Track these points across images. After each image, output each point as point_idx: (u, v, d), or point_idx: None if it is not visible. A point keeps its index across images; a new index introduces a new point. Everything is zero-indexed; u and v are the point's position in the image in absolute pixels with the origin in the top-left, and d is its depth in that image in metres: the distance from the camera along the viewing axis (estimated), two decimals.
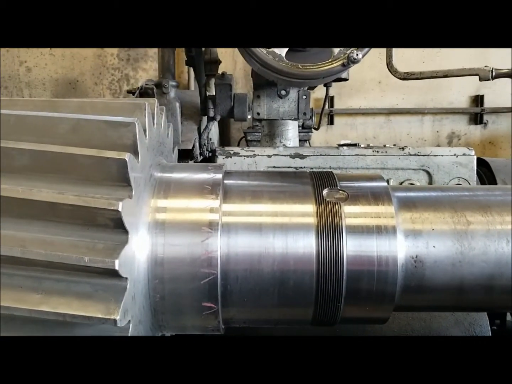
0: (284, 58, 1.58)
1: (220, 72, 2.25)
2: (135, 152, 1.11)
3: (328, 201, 1.22)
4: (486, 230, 1.20)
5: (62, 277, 1.02)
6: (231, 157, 2.07)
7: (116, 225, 1.02)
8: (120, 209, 0.99)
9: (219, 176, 1.27)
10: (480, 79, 2.41)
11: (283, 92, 2.35)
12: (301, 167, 2.04)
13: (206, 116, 2.13)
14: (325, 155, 2.03)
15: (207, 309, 1.19)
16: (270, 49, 1.56)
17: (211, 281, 1.15)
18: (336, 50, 1.57)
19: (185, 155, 1.88)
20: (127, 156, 1.05)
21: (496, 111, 5.22)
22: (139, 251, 1.13)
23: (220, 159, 2.06)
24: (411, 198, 1.26)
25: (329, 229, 1.17)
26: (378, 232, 1.18)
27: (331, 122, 5.41)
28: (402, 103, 5.37)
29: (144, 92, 2.09)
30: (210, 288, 1.16)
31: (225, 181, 1.28)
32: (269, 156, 2.05)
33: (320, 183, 1.27)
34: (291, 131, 2.52)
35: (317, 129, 3.26)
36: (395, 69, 2.42)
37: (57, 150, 1.05)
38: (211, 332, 1.27)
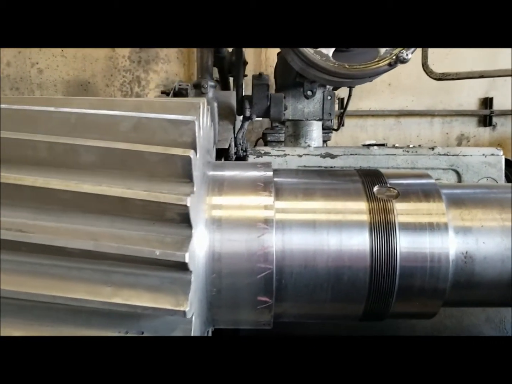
0: (331, 58, 1.60)
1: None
2: (194, 150, 1.13)
3: (379, 198, 1.23)
4: None
5: (130, 270, 1.03)
6: (261, 157, 2.08)
7: (182, 220, 1.04)
8: (188, 204, 1.01)
9: (270, 173, 1.29)
10: None
11: (309, 93, 2.37)
12: (331, 167, 2.06)
13: (241, 116, 2.16)
14: (356, 154, 2.05)
15: (262, 304, 1.20)
16: (318, 49, 1.58)
17: (267, 276, 1.17)
18: (382, 50, 1.59)
19: (220, 154, 1.90)
20: (191, 153, 1.07)
21: (504, 113, 5.25)
22: (198, 246, 1.14)
23: (251, 159, 2.08)
24: (459, 195, 1.28)
25: (382, 226, 1.19)
26: (430, 229, 1.20)
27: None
28: (411, 105, 5.40)
29: (178, 92, 2.11)
30: (266, 282, 1.17)
31: (275, 179, 1.30)
32: (300, 156, 2.07)
33: (369, 181, 1.29)
34: (315, 132, 2.54)
35: (336, 130, 3.29)
36: (431, 70, 2.45)
37: (125, 147, 1.06)
38: (262, 326, 1.29)
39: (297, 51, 1.61)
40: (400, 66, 3.95)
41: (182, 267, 1.02)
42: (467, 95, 5.31)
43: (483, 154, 2.03)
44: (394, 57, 1.56)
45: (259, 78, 2.01)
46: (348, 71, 1.60)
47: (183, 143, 1.13)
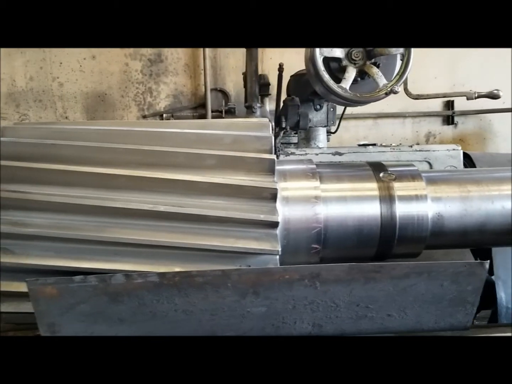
0: (348, 89, 2.21)
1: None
2: (273, 154, 1.72)
3: (384, 180, 1.85)
4: (480, 196, 1.85)
5: (242, 229, 1.62)
6: (289, 155, 2.69)
7: (272, 197, 1.64)
8: (278, 188, 1.61)
9: (314, 166, 1.89)
10: (467, 99, 3.11)
11: (318, 107, 2.98)
12: (339, 162, 2.67)
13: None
14: (357, 152, 2.67)
15: (314, 249, 1.80)
16: (339, 84, 2.19)
17: (317, 232, 1.77)
18: (381, 83, 2.20)
19: None
20: (274, 156, 1.66)
21: (464, 113, 5.92)
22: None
23: (281, 157, 2.68)
24: (433, 177, 1.90)
25: (387, 198, 1.81)
26: (416, 199, 1.81)
27: None
28: (387, 108, 6.05)
29: (228, 110, 2.69)
30: (317, 236, 1.77)
31: (318, 170, 1.89)
32: (317, 154, 2.68)
33: (376, 169, 1.89)
34: (321, 135, 3.16)
35: (334, 133, 3.90)
36: (410, 92, 3.10)
37: (233, 154, 1.65)
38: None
39: (325, 84, 2.22)
40: None
41: (274, 225, 1.61)
42: (434, 99, 5.97)
43: (447, 149, 2.67)
44: (389, 89, 2.18)
45: (292, 101, 2.63)
46: (359, 99, 2.22)
47: (264, 150, 1.73)
